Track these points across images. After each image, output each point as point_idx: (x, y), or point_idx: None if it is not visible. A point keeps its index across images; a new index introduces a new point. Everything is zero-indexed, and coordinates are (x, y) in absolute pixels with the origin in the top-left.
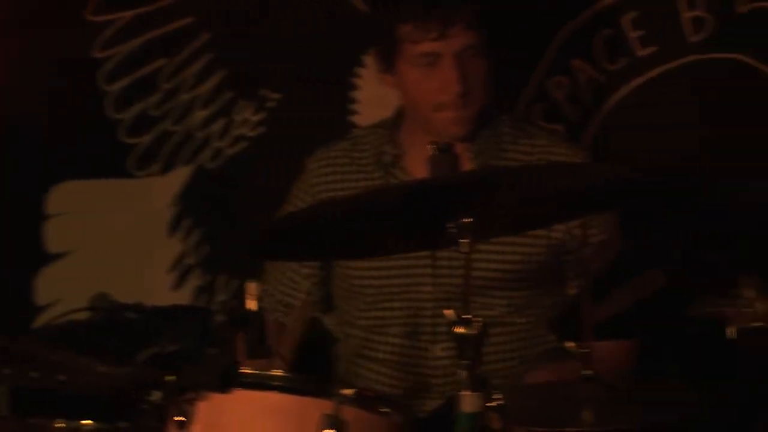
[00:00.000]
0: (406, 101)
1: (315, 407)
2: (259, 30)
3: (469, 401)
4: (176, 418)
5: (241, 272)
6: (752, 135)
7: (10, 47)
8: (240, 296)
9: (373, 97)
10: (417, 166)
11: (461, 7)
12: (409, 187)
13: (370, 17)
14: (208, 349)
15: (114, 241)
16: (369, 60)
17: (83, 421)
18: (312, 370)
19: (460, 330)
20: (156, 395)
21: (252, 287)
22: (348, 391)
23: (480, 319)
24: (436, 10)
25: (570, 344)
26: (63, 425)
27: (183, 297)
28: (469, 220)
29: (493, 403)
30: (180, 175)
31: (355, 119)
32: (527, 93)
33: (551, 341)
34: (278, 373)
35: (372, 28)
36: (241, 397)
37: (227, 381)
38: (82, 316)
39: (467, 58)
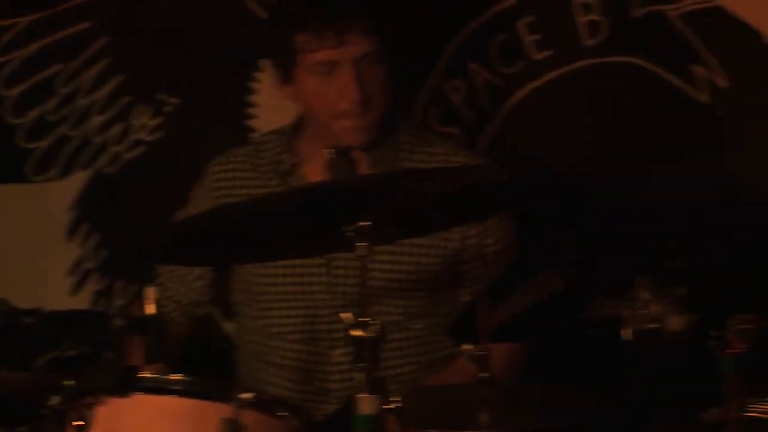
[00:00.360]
0: (306, 111)
1: (214, 411)
2: (157, 35)
3: (366, 404)
4: (75, 423)
5: (140, 277)
6: (647, 137)
7: None
8: (138, 301)
9: (271, 101)
10: (315, 174)
11: (358, 14)
12: (306, 191)
13: (266, 26)
14: (106, 354)
15: (12, 246)
16: (266, 66)
17: None
18: (211, 375)
19: (357, 333)
20: (55, 400)
21: (150, 292)
22: (247, 395)
23: (377, 322)
24: (333, 17)
25: (467, 347)
26: None
27: (81, 302)
28: (367, 224)
29: (391, 406)
30: (78, 180)
31: (254, 123)
32: (424, 97)
33: (448, 346)
34: (177, 377)
35: (268, 37)
36: (139, 401)
37: (126, 385)
38: None
39: (365, 65)
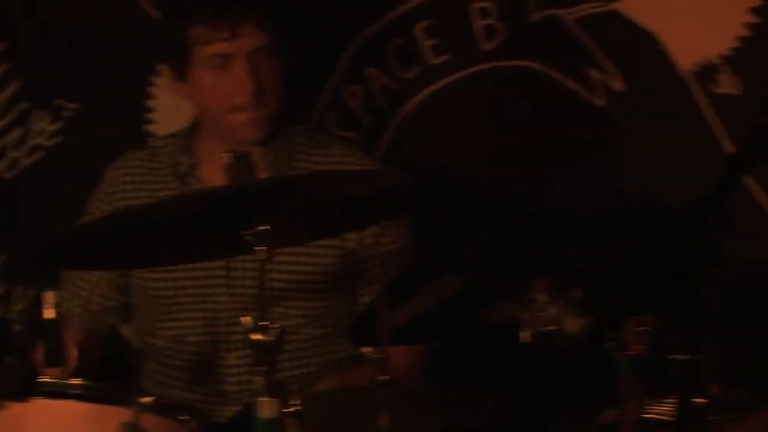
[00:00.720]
0: (201, 108)
1: (113, 415)
2: (54, 40)
3: (266, 407)
4: None
5: (39, 282)
6: (544, 141)
7: None
8: (37, 305)
9: (168, 105)
10: (213, 176)
11: (252, 7)
12: (205, 195)
13: (161, 23)
14: (5, 359)
15: None
16: (163, 68)
17: None
18: (111, 379)
19: (256, 337)
20: None
21: (49, 296)
22: (146, 399)
23: (277, 325)
24: (227, 10)
25: (366, 350)
26: None
27: None
28: (265, 227)
29: (290, 409)
30: None
31: (152, 128)
32: (322, 101)
33: (348, 348)
34: (76, 381)
35: (163, 34)
36: (39, 405)
37: (25, 390)
38: None
39: (259, 58)
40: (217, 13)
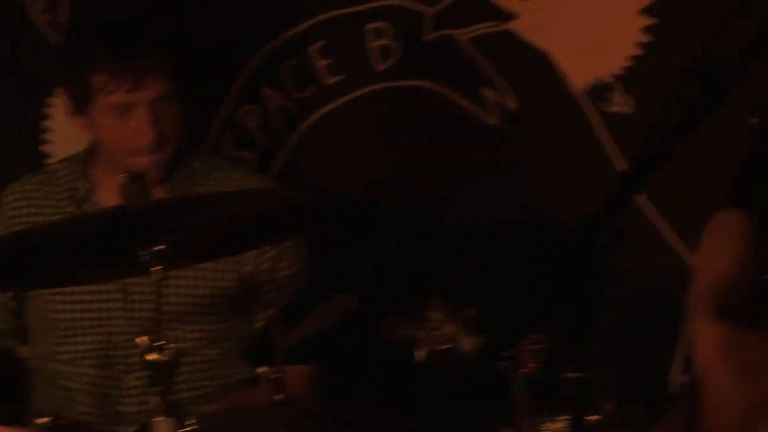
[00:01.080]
0: (99, 143)
1: None
2: None
3: (161, 427)
4: None
5: None
6: (439, 160)
7: None
8: None
9: (65, 127)
10: (110, 200)
11: (154, 58)
12: (101, 215)
13: (59, 53)
14: None
15: None
16: (61, 93)
17: None
18: (7, 400)
19: (152, 357)
20: None
21: None
22: (42, 420)
23: (172, 345)
24: (129, 61)
25: (262, 370)
26: None
27: None
28: (161, 247)
29: (186, 429)
30: None
31: (48, 149)
32: (218, 122)
33: (244, 369)
34: None
35: (62, 69)
36: None
37: None
38: None
39: (161, 106)
40: (119, 63)
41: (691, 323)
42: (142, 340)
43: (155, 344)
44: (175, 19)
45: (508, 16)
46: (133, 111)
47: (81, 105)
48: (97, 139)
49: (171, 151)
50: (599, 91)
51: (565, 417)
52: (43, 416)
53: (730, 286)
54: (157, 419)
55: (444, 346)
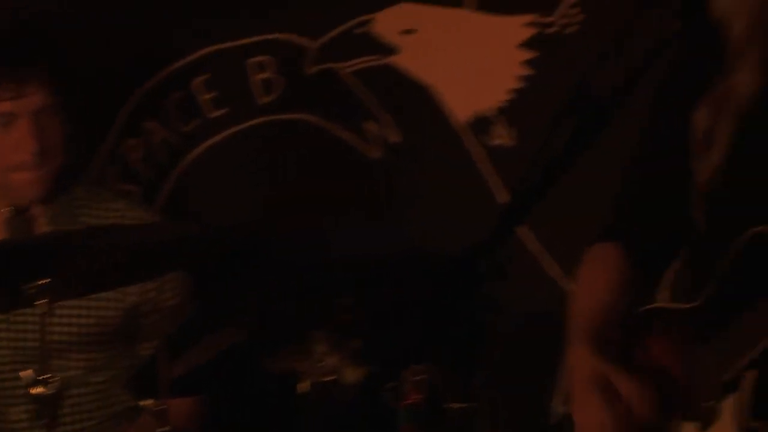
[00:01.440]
0: None
1: None
2: None
3: None
4: None
5: None
6: (322, 193)
7: None
8: None
9: None
10: None
11: (37, 67)
12: None
13: None
14: None
15: None
16: None
17: None
18: None
19: (37, 390)
20: None
21: None
22: None
23: (57, 378)
24: (10, 68)
25: (146, 402)
26: None
27: None
28: (46, 281)
29: None
30: None
31: None
32: (102, 156)
33: (129, 400)
34: None
35: None
36: None
37: None
38: None
39: (44, 117)
40: (2, 72)
41: (568, 354)
42: (26, 373)
43: (40, 378)
44: (60, 38)
45: (391, 50)
46: (14, 122)
47: None
48: None
49: (55, 169)
50: (481, 124)
51: None
52: None
53: (603, 320)
54: None
55: (328, 378)
